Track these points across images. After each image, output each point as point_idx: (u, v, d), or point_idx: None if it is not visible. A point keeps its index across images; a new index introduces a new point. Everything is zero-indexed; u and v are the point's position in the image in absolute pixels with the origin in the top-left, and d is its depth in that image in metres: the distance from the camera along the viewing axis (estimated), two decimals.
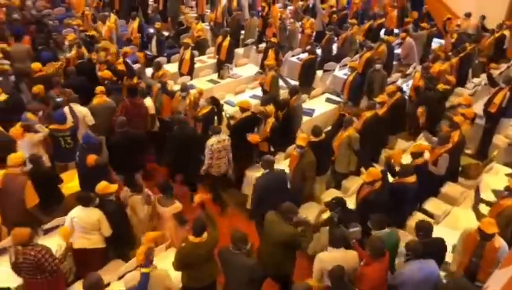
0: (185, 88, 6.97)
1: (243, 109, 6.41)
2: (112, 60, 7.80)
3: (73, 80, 7.17)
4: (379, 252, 3.98)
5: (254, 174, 6.29)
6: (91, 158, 5.30)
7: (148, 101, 6.82)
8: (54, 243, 4.58)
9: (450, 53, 9.23)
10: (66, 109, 6.17)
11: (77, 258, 4.68)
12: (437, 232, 4.56)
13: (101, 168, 5.40)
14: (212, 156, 5.89)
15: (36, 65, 7.26)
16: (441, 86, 7.46)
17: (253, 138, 6.26)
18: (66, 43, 8.82)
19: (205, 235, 4.13)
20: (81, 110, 6.34)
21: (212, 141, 5.87)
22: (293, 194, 5.33)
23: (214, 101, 6.81)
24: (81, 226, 4.52)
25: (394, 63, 9.92)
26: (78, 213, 4.53)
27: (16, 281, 4.27)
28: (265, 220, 4.55)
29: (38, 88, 6.47)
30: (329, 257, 4.11)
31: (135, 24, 10.38)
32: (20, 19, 10.05)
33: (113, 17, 10.74)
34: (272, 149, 6.51)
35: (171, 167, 6.53)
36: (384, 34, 11.37)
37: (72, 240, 4.60)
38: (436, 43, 11.39)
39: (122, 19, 11.69)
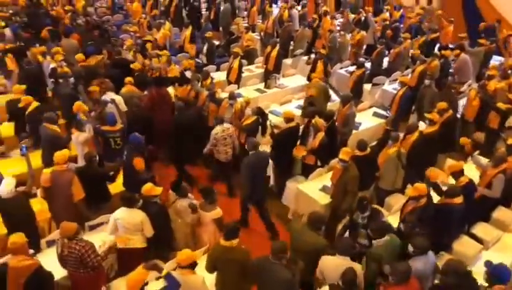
0: (233, 96, 7.09)
1: (287, 119, 6.41)
2: (164, 66, 8.10)
3: (110, 71, 7.99)
4: (404, 276, 3.80)
5: (296, 185, 6.26)
6: (139, 163, 5.48)
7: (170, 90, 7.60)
8: (98, 239, 4.77)
9: (510, 71, 8.77)
10: (115, 110, 6.46)
11: (120, 256, 4.84)
12: (485, 258, 4.32)
13: (146, 169, 5.58)
14: (216, 143, 6.41)
15: (79, 56, 8.18)
16: (501, 105, 7.09)
17: (299, 151, 6.24)
18: (124, 48, 9.27)
19: (236, 241, 4.12)
20: (116, 98, 6.86)
21: (217, 130, 6.36)
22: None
23: (260, 112, 6.85)
24: (124, 226, 4.67)
25: (449, 79, 9.57)
26: (122, 214, 4.68)
27: (62, 272, 4.46)
28: (291, 229, 4.60)
29: (94, 88, 6.82)
30: (331, 263, 4.07)
31: (188, 32, 10.69)
32: (83, 25, 10.65)
33: (167, 25, 11.15)
34: (319, 163, 6.45)
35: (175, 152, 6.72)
36: (439, 49, 11.00)
37: (116, 239, 4.77)
38: (496, 60, 10.86)
39: (176, 27, 12.08)
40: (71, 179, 5.06)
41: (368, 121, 8.01)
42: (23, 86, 6.97)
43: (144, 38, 10.12)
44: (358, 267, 4.07)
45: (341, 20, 12.92)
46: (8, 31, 9.93)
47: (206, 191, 5.06)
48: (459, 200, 4.84)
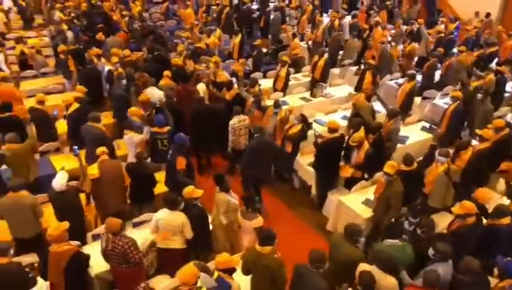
0: (278, 104, 7.12)
1: (331, 130, 6.34)
2: (213, 72, 8.28)
3: (150, 66, 8.75)
4: (433, 282, 3.82)
5: (337, 197, 6.17)
6: (181, 162, 5.61)
7: (201, 86, 8.14)
8: (140, 236, 4.92)
9: None
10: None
11: (160, 255, 4.96)
12: None
13: (189, 170, 5.70)
14: (234, 133, 6.89)
15: (126, 51, 9.11)
16: None
17: (345, 171, 6.18)
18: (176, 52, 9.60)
19: (269, 248, 4.11)
20: (159, 93, 7.47)
21: (234, 120, 6.89)
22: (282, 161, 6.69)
23: (303, 119, 6.83)
24: (165, 227, 4.78)
25: (506, 95, 9.13)
26: (164, 215, 4.79)
27: (104, 266, 4.63)
28: (331, 240, 4.60)
29: (144, 96, 7.08)
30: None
31: (237, 40, 10.87)
32: (139, 29, 11.11)
33: (218, 31, 11.38)
34: (366, 176, 6.34)
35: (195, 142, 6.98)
36: (496, 64, 10.51)
37: (156, 238, 4.89)
38: None
39: (226, 34, 12.31)
40: (118, 166, 5.38)
41: (415, 135, 7.77)
42: (82, 87, 7.34)
43: (195, 44, 10.40)
44: (391, 280, 3.96)
45: (393, 31, 12.66)
46: (70, 34, 10.53)
47: (247, 200, 5.08)
48: (506, 220, 4.61)
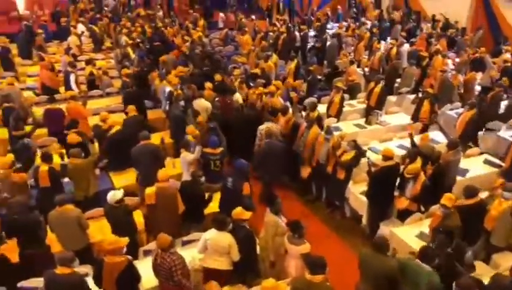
0: (329, 130, 7.05)
1: (385, 157, 6.17)
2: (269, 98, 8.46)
3: (197, 79, 9.54)
4: None
5: (390, 228, 5.95)
6: (247, 188, 5.74)
7: (237, 96, 8.71)
8: (189, 255, 5.00)
9: None
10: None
11: (205, 275, 4.98)
12: None
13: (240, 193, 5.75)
14: (261, 138, 7.32)
15: (180, 68, 10.02)
16: None
17: (401, 203, 5.97)
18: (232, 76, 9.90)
19: (321, 277, 4.00)
20: (206, 103, 8.18)
21: (262, 127, 7.40)
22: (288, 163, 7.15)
23: (356, 146, 6.71)
24: (213, 247, 4.83)
25: None
26: (212, 235, 4.84)
27: (154, 282, 4.73)
28: (361, 256, 4.58)
29: (202, 118, 7.34)
30: None
31: (292, 65, 10.97)
32: (199, 53, 11.57)
33: (274, 57, 11.57)
34: (423, 209, 6.08)
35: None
36: None
37: (204, 259, 4.95)
38: None
39: (282, 60, 12.48)
40: (175, 194, 5.44)
41: (477, 168, 7.37)
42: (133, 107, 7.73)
43: (251, 69, 10.63)
44: None
45: (457, 59, 12.25)
46: (135, 57, 11.17)
47: (294, 225, 4.97)
48: None
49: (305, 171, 7.35)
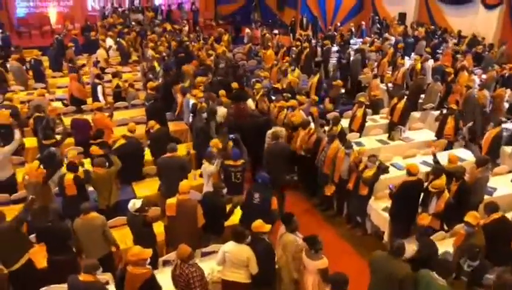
0: (349, 145, 7.01)
1: (409, 173, 6.08)
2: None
3: (216, 88, 9.80)
4: None
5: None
6: (275, 202, 5.76)
7: (250, 102, 9.27)
8: (207, 267, 5.01)
9: None
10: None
11: (224, 287, 4.99)
12: None
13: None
14: (270, 141, 7.70)
15: (198, 79, 10.55)
16: None
17: (423, 219, 5.87)
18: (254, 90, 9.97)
19: None
20: (224, 110, 8.61)
21: (271, 131, 7.76)
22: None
23: (377, 162, 6.63)
24: (231, 260, 4.83)
25: None
26: (230, 248, 4.85)
27: None
28: (373, 258, 4.64)
29: (222, 135, 7.43)
30: None
31: (315, 79, 11.00)
32: (223, 67, 11.74)
33: (297, 71, 11.63)
34: (446, 227, 5.96)
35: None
36: None
37: (222, 271, 4.96)
38: None
39: (305, 74, 12.52)
40: (195, 207, 5.47)
41: (505, 187, 7.16)
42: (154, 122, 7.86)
43: (273, 83, 10.70)
44: None
45: (484, 76, 12.04)
46: (160, 70, 11.42)
47: (311, 240, 4.93)
48: None
49: (329, 190, 7.30)
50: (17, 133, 7.10)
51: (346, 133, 8.34)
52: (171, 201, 5.56)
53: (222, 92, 9.31)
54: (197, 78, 10.71)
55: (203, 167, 6.64)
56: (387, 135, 8.99)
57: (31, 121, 8.22)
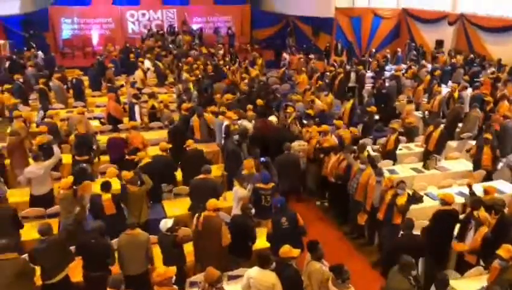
0: (380, 172, 6.87)
1: (444, 202, 5.87)
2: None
3: (242, 104, 10.50)
4: None
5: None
6: (300, 219, 5.71)
7: (273, 118, 9.86)
8: None
9: None
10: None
11: None
12: None
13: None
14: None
15: (226, 96, 11.06)
16: None
17: (459, 246, 5.64)
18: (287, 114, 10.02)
19: None
20: (249, 124, 9.17)
21: (295, 143, 8.55)
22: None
23: (409, 191, 6.45)
24: (256, 286, 4.75)
25: None
26: (255, 273, 4.79)
27: None
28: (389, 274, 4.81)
29: (253, 160, 7.34)
30: None
31: (348, 105, 10.93)
32: (256, 91, 11.89)
33: (330, 96, 11.60)
34: (482, 264, 5.68)
35: None
36: None
37: None
38: None
39: (338, 99, 12.47)
40: (220, 225, 5.48)
41: None
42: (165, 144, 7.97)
43: (305, 108, 10.72)
44: None
45: None
46: (194, 93, 11.67)
47: (338, 270, 4.76)
48: None
49: (362, 218, 7.13)
50: (56, 149, 7.37)
51: (379, 160, 8.18)
52: (199, 217, 5.62)
53: (250, 106, 9.95)
54: (225, 95, 11.12)
55: (234, 190, 6.65)
56: (422, 163, 8.76)
57: (71, 137, 8.51)
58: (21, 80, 12.01)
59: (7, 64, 14.69)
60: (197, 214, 5.71)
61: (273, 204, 6.16)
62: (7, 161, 8.13)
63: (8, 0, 18.54)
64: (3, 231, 5.60)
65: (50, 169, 7.19)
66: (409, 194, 6.34)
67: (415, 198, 6.42)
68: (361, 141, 8.83)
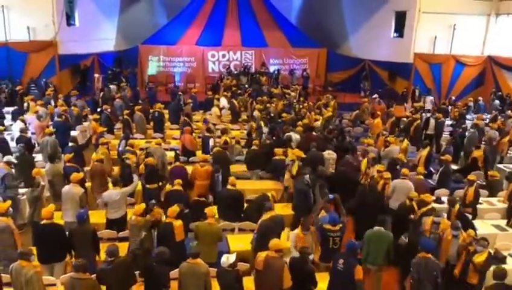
0: (457, 226, 6.42)
1: None
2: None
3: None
4: None
5: None
6: (360, 272, 5.45)
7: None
8: None
9: None
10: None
11: None
12: None
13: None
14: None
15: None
16: None
17: None
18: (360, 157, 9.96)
19: None
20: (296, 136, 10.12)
21: (324, 153, 9.56)
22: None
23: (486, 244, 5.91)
24: None
25: None
26: None
27: None
28: None
29: (325, 199, 7.29)
30: None
31: (424, 152, 10.44)
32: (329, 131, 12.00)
33: (405, 142, 11.20)
34: None
35: None
36: None
37: None
38: None
39: (414, 146, 11.98)
40: (282, 267, 5.37)
41: None
42: None
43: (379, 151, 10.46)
44: None
45: None
46: (265, 129, 11.94)
47: None
48: None
49: None
50: (135, 177, 7.78)
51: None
52: (261, 255, 5.55)
53: (300, 123, 11.78)
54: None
55: (295, 234, 6.47)
56: (505, 221, 8.04)
57: (141, 167, 8.86)
58: (109, 110, 13.05)
59: (101, 94, 16.16)
60: (259, 253, 5.66)
61: (346, 244, 5.92)
62: (88, 185, 8.72)
63: (105, 39, 20.52)
64: (83, 249, 6.03)
65: (126, 195, 7.58)
66: (489, 252, 5.80)
67: (497, 258, 5.87)
68: (436, 191, 8.33)
